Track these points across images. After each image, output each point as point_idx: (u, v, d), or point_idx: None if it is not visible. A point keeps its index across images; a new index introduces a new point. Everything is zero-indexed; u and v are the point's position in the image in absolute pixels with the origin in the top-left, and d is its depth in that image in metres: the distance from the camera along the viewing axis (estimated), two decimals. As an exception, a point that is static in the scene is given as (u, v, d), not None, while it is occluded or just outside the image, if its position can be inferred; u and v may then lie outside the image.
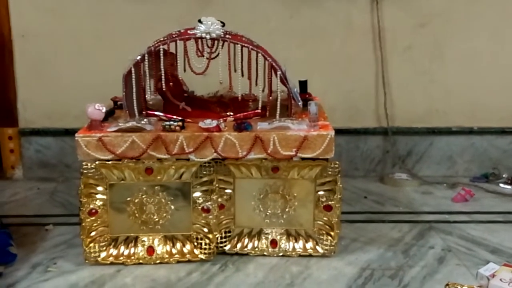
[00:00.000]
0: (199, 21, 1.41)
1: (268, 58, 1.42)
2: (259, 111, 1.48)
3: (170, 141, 1.37)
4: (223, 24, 1.43)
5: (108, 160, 1.38)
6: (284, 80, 1.42)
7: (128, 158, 1.37)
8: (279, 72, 1.41)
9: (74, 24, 1.99)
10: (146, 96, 1.45)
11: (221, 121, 1.40)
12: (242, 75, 1.45)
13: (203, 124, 1.38)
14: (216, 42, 1.42)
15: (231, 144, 1.37)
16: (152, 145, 1.36)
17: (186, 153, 1.37)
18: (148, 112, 1.49)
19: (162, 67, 1.41)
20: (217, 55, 1.43)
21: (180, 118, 1.43)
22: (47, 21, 1.99)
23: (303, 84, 1.67)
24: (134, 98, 1.43)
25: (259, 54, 1.42)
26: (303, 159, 1.40)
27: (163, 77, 1.43)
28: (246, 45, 1.41)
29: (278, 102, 1.42)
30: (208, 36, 1.40)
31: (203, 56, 1.41)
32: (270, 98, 1.47)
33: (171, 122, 1.39)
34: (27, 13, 1.99)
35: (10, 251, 1.40)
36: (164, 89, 1.46)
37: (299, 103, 1.47)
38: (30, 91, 2.04)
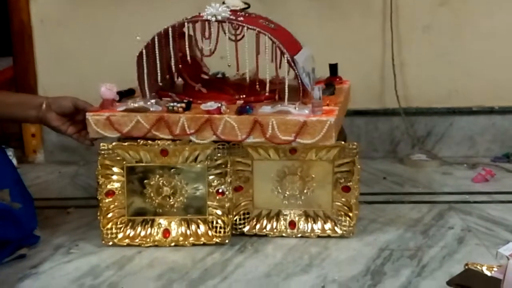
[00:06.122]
0: (223, 2, 1.43)
1: (275, 41, 1.39)
2: (271, 95, 1.46)
3: (172, 122, 1.38)
4: (248, 6, 1.43)
5: (121, 140, 1.40)
6: (291, 64, 1.40)
7: (134, 138, 1.40)
8: (286, 55, 1.39)
9: (93, 8, 2.00)
10: (160, 77, 1.46)
11: (223, 104, 1.39)
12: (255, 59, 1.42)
13: (205, 106, 1.38)
14: (222, 24, 1.41)
15: (231, 127, 1.37)
16: (155, 126, 1.38)
17: (188, 134, 1.38)
18: (161, 93, 1.51)
19: (171, 49, 1.42)
20: (242, 38, 1.41)
21: (187, 100, 1.44)
22: (66, 5, 2.00)
23: (333, 67, 1.65)
24: (145, 79, 1.44)
25: (266, 37, 1.39)
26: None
27: (172, 59, 1.43)
28: (252, 27, 1.40)
29: (286, 86, 1.40)
30: (213, 19, 1.40)
31: (210, 38, 1.42)
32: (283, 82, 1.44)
33: (175, 104, 1.40)
34: (46, -2, 2.01)
35: (34, 234, 1.43)
36: (180, 71, 1.47)
37: (308, 88, 1.43)
38: (50, 75, 2.06)
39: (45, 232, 1.49)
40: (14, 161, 1.92)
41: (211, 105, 1.38)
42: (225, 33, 1.44)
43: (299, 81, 1.41)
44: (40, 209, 1.52)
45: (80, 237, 1.49)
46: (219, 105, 1.38)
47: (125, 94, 1.53)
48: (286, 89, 1.40)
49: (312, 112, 1.36)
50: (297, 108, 1.37)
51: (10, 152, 1.97)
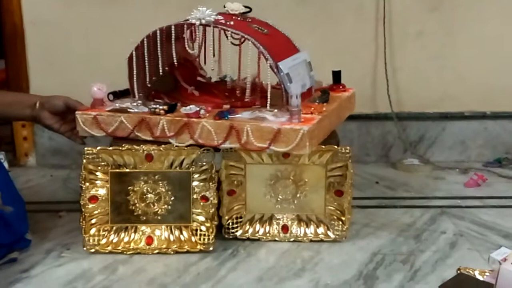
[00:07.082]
0: (224, 6, 1.44)
1: (258, 47, 1.37)
2: (260, 100, 1.44)
3: (153, 124, 1.40)
4: (249, 10, 1.45)
5: (114, 144, 1.41)
6: (273, 69, 1.38)
7: (118, 138, 1.42)
8: (269, 61, 1.37)
9: (85, 10, 1.99)
10: (148, 78, 1.47)
11: (203, 108, 1.39)
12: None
13: (184, 109, 1.39)
14: (207, 28, 1.41)
15: (208, 131, 1.36)
16: (137, 127, 1.41)
17: (167, 137, 1.39)
18: (155, 94, 1.51)
19: (159, 51, 1.42)
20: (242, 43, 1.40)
21: (173, 102, 1.44)
22: (58, 8, 2.00)
23: (336, 75, 1.64)
24: (135, 80, 1.46)
25: (250, 42, 1.38)
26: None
27: (160, 60, 1.44)
28: (237, 31, 1.39)
29: (269, 92, 1.39)
30: (198, 22, 1.39)
31: (195, 42, 1.42)
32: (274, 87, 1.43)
33: (157, 106, 1.42)
34: (38, 0, 2.00)
35: (25, 237, 1.42)
36: (174, 73, 1.47)
37: (291, 94, 1.37)
38: (42, 78, 2.05)
39: (37, 236, 1.48)
40: (6, 164, 1.89)
41: (191, 108, 1.38)
42: (227, 37, 1.44)
43: (283, 87, 1.39)
44: (31, 212, 1.51)
45: (71, 241, 1.48)
46: (198, 109, 1.38)
47: (120, 94, 1.54)
48: (269, 94, 1.39)
49: (289, 120, 1.34)
50: (276, 115, 1.35)
51: (1, 155, 1.95)
